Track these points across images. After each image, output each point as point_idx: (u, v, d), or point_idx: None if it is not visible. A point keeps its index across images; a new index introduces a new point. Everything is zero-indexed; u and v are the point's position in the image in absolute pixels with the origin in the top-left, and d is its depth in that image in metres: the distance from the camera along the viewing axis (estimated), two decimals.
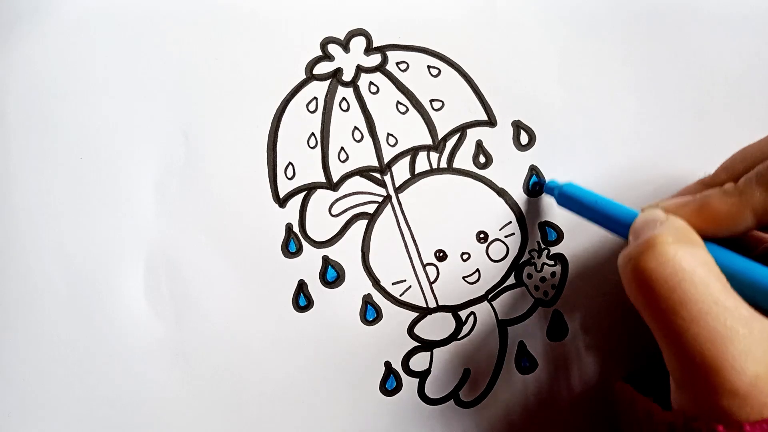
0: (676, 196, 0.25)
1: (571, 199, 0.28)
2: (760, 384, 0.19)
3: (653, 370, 0.24)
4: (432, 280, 0.30)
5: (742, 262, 0.22)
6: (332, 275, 0.30)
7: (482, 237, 0.30)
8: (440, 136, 0.30)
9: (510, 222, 0.30)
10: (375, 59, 0.30)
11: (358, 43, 0.31)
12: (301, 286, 0.29)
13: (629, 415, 0.25)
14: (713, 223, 0.23)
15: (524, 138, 0.30)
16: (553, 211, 0.30)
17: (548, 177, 0.30)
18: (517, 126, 0.30)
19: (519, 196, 0.30)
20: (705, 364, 0.20)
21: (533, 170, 0.30)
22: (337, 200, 0.30)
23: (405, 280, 0.30)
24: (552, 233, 0.30)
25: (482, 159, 0.30)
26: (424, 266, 0.30)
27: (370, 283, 0.30)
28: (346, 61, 0.30)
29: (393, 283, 0.30)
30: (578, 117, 0.30)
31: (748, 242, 0.26)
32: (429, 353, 0.30)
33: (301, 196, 0.29)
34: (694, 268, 0.20)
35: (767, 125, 0.30)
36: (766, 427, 0.19)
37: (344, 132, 0.30)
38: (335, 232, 0.30)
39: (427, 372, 0.30)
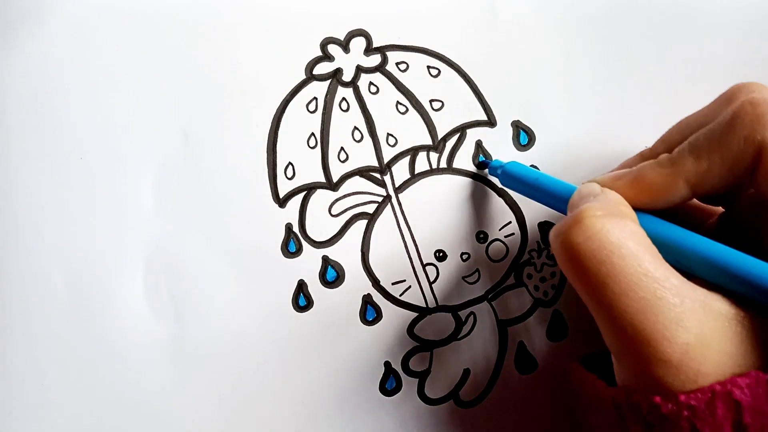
0: (616, 169, 0.25)
1: (513, 178, 0.28)
2: (691, 352, 0.19)
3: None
4: (432, 280, 0.30)
5: (676, 231, 0.22)
6: (332, 275, 0.30)
7: (482, 237, 0.30)
8: (440, 136, 0.30)
9: (510, 222, 0.30)
10: (375, 59, 0.31)
11: (358, 44, 0.31)
12: (301, 286, 0.29)
13: (580, 396, 0.25)
14: (648, 194, 0.23)
15: (524, 138, 0.30)
16: (552, 210, 0.30)
17: (545, 170, 0.30)
18: (517, 126, 0.30)
19: (519, 196, 0.30)
20: (637, 335, 0.20)
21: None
22: (337, 200, 0.30)
23: (405, 280, 0.30)
24: None
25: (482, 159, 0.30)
26: (423, 266, 0.30)
27: (370, 283, 0.30)
28: (346, 62, 0.30)
29: (393, 283, 0.30)
30: (578, 117, 0.30)
31: (697, 215, 0.26)
32: (429, 353, 0.30)
33: (301, 196, 0.30)
34: (622, 241, 0.20)
35: None
36: (700, 396, 0.19)
37: (344, 132, 0.30)
38: (335, 232, 0.30)
39: (427, 372, 0.30)
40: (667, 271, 0.20)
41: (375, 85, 0.30)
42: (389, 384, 0.30)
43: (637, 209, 0.23)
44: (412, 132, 0.30)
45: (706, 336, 0.19)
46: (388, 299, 0.30)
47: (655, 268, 0.20)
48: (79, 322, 0.28)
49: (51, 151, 0.29)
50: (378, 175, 0.30)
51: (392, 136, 0.30)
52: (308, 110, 0.30)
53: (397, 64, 0.31)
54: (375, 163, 0.30)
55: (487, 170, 0.30)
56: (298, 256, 0.29)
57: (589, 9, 0.31)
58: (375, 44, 0.31)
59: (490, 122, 0.30)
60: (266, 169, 0.29)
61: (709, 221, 0.26)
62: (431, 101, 0.30)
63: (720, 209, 0.26)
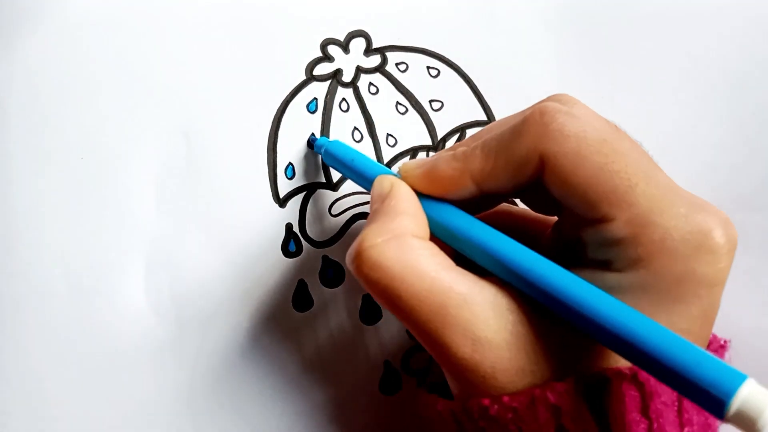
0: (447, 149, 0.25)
1: (333, 157, 0.27)
2: (480, 350, 0.20)
3: None
4: None
5: (465, 226, 0.22)
6: (332, 275, 0.30)
7: None
8: (440, 136, 0.30)
9: None
10: (375, 60, 0.31)
11: (358, 44, 0.31)
12: (301, 286, 0.29)
13: (427, 419, 0.25)
14: (439, 186, 0.23)
15: None
16: None
17: None
18: None
19: None
20: (433, 344, 0.20)
21: None
22: (337, 200, 0.30)
23: None
24: None
25: None
26: None
27: None
28: (346, 62, 0.30)
29: None
30: None
31: (535, 226, 0.26)
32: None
33: (301, 196, 0.30)
34: (402, 263, 0.20)
35: (766, 125, 0.30)
36: (522, 399, 0.19)
37: (344, 132, 0.30)
38: (335, 232, 0.30)
39: (427, 371, 0.30)
40: (455, 277, 0.21)
41: (375, 86, 0.30)
42: (389, 383, 0.30)
43: (435, 197, 0.23)
44: (411, 132, 0.30)
45: (492, 334, 0.20)
46: None
47: (441, 279, 0.20)
48: (79, 322, 0.28)
49: (51, 151, 0.29)
50: None
51: (392, 136, 0.30)
52: (308, 110, 0.30)
53: (397, 64, 0.31)
54: None
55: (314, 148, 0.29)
56: (298, 256, 0.29)
57: (589, 9, 0.31)
58: (375, 45, 0.31)
59: (490, 122, 0.30)
60: (266, 169, 0.29)
61: (546, 233, 0.25)
62: (431, 101, 0.30)
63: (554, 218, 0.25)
